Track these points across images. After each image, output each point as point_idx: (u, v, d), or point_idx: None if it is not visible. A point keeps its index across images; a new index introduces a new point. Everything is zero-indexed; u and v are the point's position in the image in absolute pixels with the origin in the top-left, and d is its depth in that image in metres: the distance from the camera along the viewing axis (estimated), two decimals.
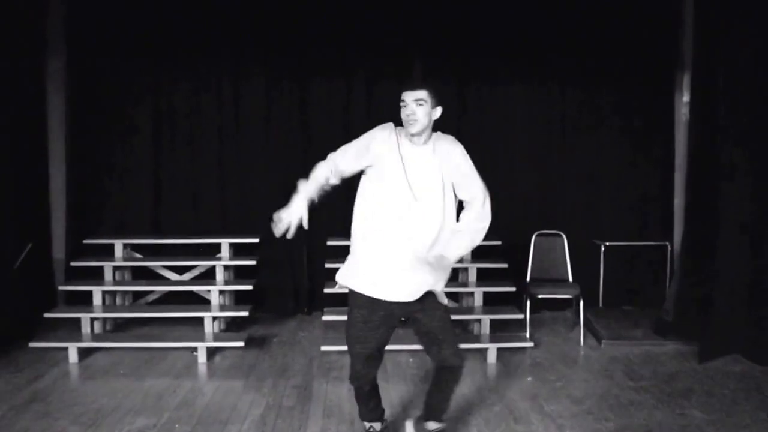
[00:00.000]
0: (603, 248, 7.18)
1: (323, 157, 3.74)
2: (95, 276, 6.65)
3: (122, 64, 7.03)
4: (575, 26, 7.13)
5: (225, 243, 6.73)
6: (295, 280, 7.24)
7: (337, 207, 7.11)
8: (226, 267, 6.63)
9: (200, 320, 6.21)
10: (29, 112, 6.83)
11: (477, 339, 6.09)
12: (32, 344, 5.89)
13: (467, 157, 3.62)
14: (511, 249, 6.79)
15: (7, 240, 6.34)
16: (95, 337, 6.14)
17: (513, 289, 6.42)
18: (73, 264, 6.71)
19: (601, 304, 7.27)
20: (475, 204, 3.63)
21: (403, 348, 5.87)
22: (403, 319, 3.74)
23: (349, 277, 3.68)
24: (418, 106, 3.48)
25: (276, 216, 3.43)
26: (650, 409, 4.75)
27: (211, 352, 5.97)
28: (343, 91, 7.20)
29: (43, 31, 6.89)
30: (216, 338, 6.07)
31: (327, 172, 3.65)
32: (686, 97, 6.57)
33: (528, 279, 6.57)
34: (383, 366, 5.56)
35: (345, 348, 3.72)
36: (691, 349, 6.04)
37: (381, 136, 3.60)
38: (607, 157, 7.40)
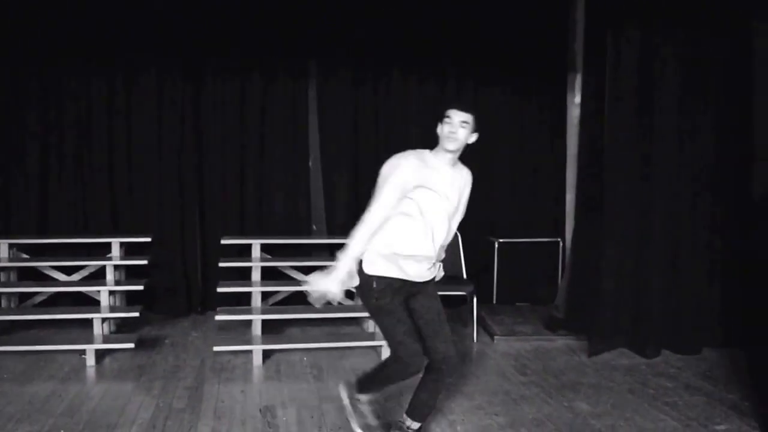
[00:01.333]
0: (497, 245, 7.33)
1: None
2: None
3: (7, 63, 6.75)
4: (469, 27, 7.24)
5: (115, 242, 6.55)
6: (188, 279, 7.12)
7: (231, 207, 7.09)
8: (117, 267, 6.45)
9: (89, 322, 6.02)
10: None
11: (372, 337, 6.12)
12: None
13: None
14: None
15: None
16: None
17: None
18: None
19: (495, 301, 7.43)
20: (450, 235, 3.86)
21: (296, 347, 5.90)
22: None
23: (380, 266, 3.64)
24: (462, 127, 3.58)
25: (312, 283, 3.45)
26: (540, 403, 4.87)
27: (101, 355, 5.78)
28: (237, 90, 7.12)
29: None
30: (106, 340, 5.90)
31: (370, 235, 3.56)
32: (578, 98, 6.77)
33: None
34: (277, 365, 5.57)
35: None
36: (581, 344, 6.23)
37: (409, 164, 3.58)
38: (501, 156, 7.57)
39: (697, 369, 5.67)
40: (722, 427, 4.49)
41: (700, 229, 6.13)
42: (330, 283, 3.41)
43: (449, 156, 3.66)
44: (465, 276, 6.68)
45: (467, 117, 3.59)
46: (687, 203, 6.09)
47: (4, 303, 6.40)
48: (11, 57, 6.74)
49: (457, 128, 3.57)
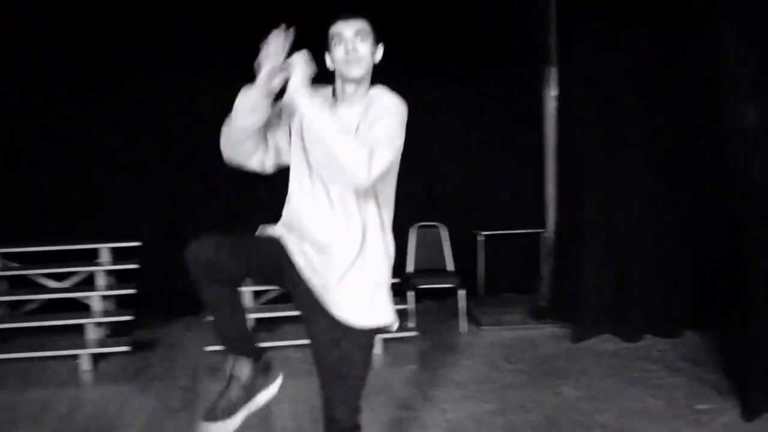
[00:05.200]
0: (481, 238, 7.46)
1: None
2: None
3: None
4: (441, 20, 7.27)
5: (104, 248, 6.59)
6: (182, 280, 7.13)
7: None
8: (107, 272, 6.51)
9: (82, 327, 6.07)
10: None
11: None
12: None
13: (394, 111, 2.56)
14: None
15: None
16: None
17: (397, 280, 6.55)
18: None
19: (481, 292, 7.55)
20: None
21: (289, 344, 5.99)
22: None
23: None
24: (360, 40, 2.57)
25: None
26: (527, 390, 5.00)
27: (96, 359, 5.85)
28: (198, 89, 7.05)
29: None
30: (100, 344, 5.96)
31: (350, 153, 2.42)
32: (554, 91, 6.88)
33: (410, 270, 6.76)
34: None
35: None
36: (565, 331, 6.36)
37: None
38: (482, 149, 7.69)
39: (679, 351, 5.80)
40: (705, 406, 4.63)
41: (679, 213, 6.25)
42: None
43: (352, 86, 2.61)
44: (451, 268, 6.79)
45: (362, 24, 2.57)
46: (665, 187, 6.22)
47: None
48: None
49: (355, 43, 2.55)
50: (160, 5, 6.76)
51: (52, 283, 6.59)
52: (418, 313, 6.71)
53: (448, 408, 4.69)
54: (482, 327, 6.57)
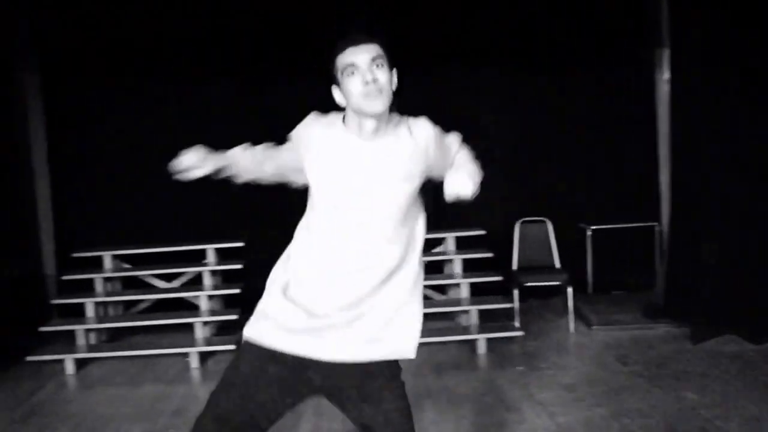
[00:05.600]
0: (589, 232, 7.18)
1: None
2: (86, 288, 6.65)
3: (97, 78, 7.01)
4: (548, 9, 7.10)
5: (210, 249, 6.72)
6: None
7: None
8: (213, 272, 6.63)
9: (191, 326, 6.23)
10: (11, 131, 6.85)
11: (466, 330, 6.12)
12: (29, 358, 5.95)
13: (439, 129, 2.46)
14: (495, 238, 6.79)
15: None
16: (90, 348, 6.18)
17: (500, 278, 6.42)
18: (64, 278, 6.72)
19: (590, 290, 7.28)
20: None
21: None
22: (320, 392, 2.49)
23: (253, 322, 2.53)
24: (378, 68, 2.23)
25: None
26: (643, 393, 4.76)
27: (204, 357, 5.98)
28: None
29: (15, 49, 6.89)
30: (207, 343, 6.08)
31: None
32: (666, 74, 6.57)
33: (514, 267, 6.58)
34: None
35: None
36: (683, 331, 6.03)
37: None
38: (589, 139, 7.38)
39: None
40: None
41: None
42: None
43: (373, 122, 2.29)
44: (558, 265, 6.58)
45: (376, 49, 2.23)
46: None
47: (111, 311, 6.69)
48: (99, 73, 7.02)
49: (374, 72, 2.21)
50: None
51: (161, 284, 6.78)
52: (523, 312, 6.54)
53: (557, 411, 4.51)
54: (592, 327, 6.33)
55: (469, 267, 6.65)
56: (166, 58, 7.03)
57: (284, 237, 2.63)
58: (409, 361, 2.43)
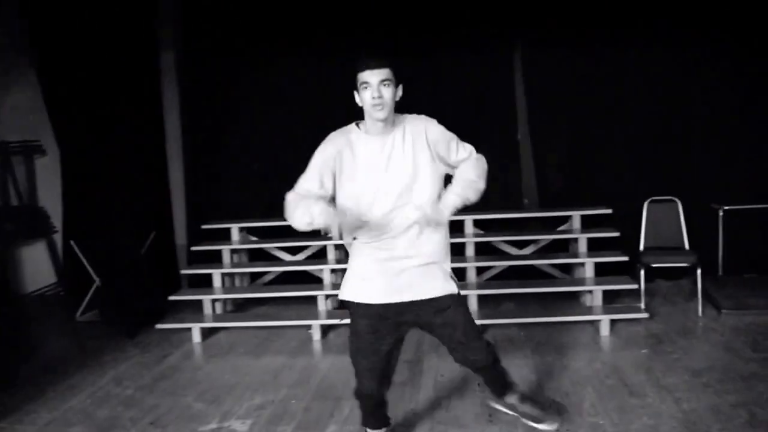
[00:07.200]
0: (721, 213, 6.86)
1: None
2: (214, 259, 6.93)
3: (231, 56, 7.27)
4: None
5: None
6: None
7: None
8: (336, 246, 6.76)
9: (314, 298, 6.39)
10: (147, 108, 7.20)
11: (589, 311, 6.00)
12: (159, 326, 6.28)
13: (443, 128, 3.35)
14: (622, 217, 6.64)
15: (134, 230, 6.77)
16: (216, 318, 6.44)
17: (626, 258, 6.25)
18: (193, 249, 7.03)
19: (720, 272, 6.95)
20: (466, 161, 3.39)
21: (512, 321, 5.91)
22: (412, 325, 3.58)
23: (344, 290, 3.47)
24: (384, 86, 3.14)
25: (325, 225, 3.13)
26: None
27: (325, 330, 6.13)
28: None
29: (154, 30, 7.21)
30: (330, 316, 6.22)
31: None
32: None
33: (641, 248, 6.38)
34: (494, 339, 5.58)
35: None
36: None
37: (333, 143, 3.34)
38: (721, 115, 7.03)
39: None
40: None
41: None
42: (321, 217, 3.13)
43: (380, 124, 3.23)
44: (687, 246, 6.33)
45: (385, 73, 3.13)
46: None
47: (237, 282, 6.95)
48: (232, 52, 7.25)
49: (380, 91, 3.12)
50: None
51: (286, 256, 6.97)
52: (649, 293, 6.37)
53: (682, 397, 4.37)
54: (722, 310, 6.06)
55: (595, 246, 6.53)
56: (295, 36, 7.18)
57: None
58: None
